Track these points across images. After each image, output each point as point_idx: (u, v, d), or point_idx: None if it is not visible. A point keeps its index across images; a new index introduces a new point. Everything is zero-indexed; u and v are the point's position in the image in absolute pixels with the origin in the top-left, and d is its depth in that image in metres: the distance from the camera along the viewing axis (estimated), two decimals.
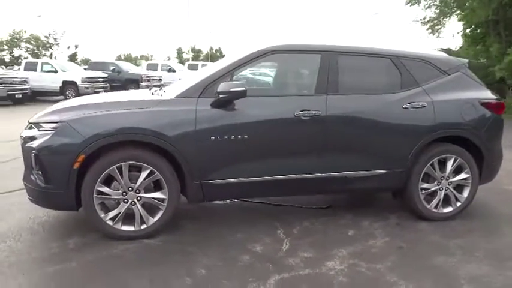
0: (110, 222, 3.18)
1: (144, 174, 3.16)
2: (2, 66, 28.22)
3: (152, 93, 3.69)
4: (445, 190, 3.78)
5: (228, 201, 4.21)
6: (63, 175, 3.06)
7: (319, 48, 3.63)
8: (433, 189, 3.76)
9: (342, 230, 3.54)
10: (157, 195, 3.23)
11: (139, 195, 3.20)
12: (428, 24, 16.53)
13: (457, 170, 3.80)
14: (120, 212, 3.18)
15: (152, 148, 3.18)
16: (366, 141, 3.57)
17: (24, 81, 15.65)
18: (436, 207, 3.77)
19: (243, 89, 3.17)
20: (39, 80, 16.59)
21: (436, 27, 16.56)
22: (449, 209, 3.83)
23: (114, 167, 3.10)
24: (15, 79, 15.44)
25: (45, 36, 51.97)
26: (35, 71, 17.04)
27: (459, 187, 3.86)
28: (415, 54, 3.85)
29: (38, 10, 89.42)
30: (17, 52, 50.58)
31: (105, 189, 3.12)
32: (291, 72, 4.17)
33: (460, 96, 3.78)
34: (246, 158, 3.36)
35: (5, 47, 50.57)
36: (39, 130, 3.18)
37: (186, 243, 3.20)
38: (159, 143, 3.13)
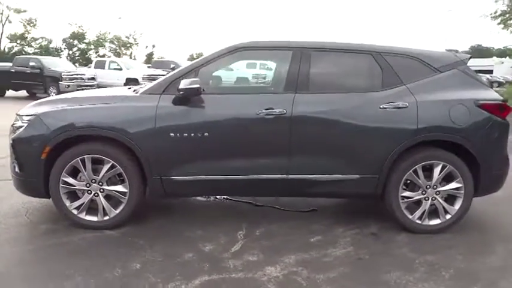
0: (75, 212, 3.35)
1: (105, 168, 3.29)
2: (76, 64, 31.11)
3: (133, 90, 3.80)
4: (432, 200, 3.41)
5: (212, 198, 4.22)
6: (33, 165, 3.29)
7: (290, 44, 3.48)
8: (416, 198, 3.42)
9: (308, 235, 3.37)
10: (118, 188, 3.34)
11: (102, 187, 3.33)
12: (500, 19, 14.93)
13: (448, 179, 3.42)
14: (83, 202, 3.34)
15: (116, 143, 3.29)
16: (336, 144, 3.36)
17: (92, 78, 17.08)
18: (420, 218, 3.42)
19: (197, 86, 3.15)
20: (106, 76, 17.96)
21: (509, 22, 14.89)
22: (436, 222, 3.46)
23: (78, 159, 3.26)
24: (84, 76, 16.90)
25: (126, 37, 56.04)
26: (103, 68, 18.48)
27: (451, 198, 3.47)
28: (401, 50, 3.52)
29: (119, 12, 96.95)
30: (101, 51, 55.20)
31: (70, 179, 3.30)
32: (257, 70, 4.04)
33: (451, 96, 3.38)
34: (206, 156, 3.34)
35: (92, 46, 55.39)
36: (21, 122, 3.46)
37: (141, 236, 3.27)
38: (118, 137, 3.23)
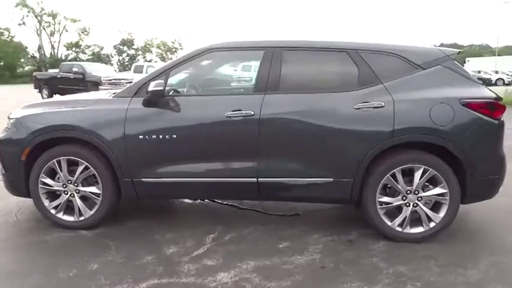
0: (53, 211, 3.47)
1: (79, 169, 3.38)
2: (117, 70, 32.60)
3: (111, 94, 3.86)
4: (414, 206, 3.17)
5: (198, 201, 4.20)
6: (15, 165, 3.44)
7: (262, 44, 3.38)
8: (396, 204, 3.20)
9: (277, 241, 3.25)
10: (92, 189, 3.41)
11: (78, 188, 3.42)
12: None
13: (434, 184, 3.16)
14: (60, 202, 3.45)
15: (90, 145, 3.36)
16: (307, 146, 3.21)
17: (130, 82, 17.73)
18: (401, 225, 3.19)
19: (160, 88, 3.15)
20: None
21: None
22: (418, 230, 3.21)
23: (54, 160, 3.38)
24: (122, 80, 17.61)
25: (171, 42, 57.84)
26: (141, 72, 19.13)
27: (437, 204, 3.21)
28: (379, 46, 3.31)
29: (166, 18, 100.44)
30: (149, 57, 57.38)
31: (48, 180, 3.42)
32: (231, 71, 3.95)
33: (433, 94, 3.13)
34: (175, 158, 3.32)
35: (140, 52, 57.73)
36: (7, 124, 3.63)
37: (113, 237, 3.31)
38: (89, 139, 3.30)
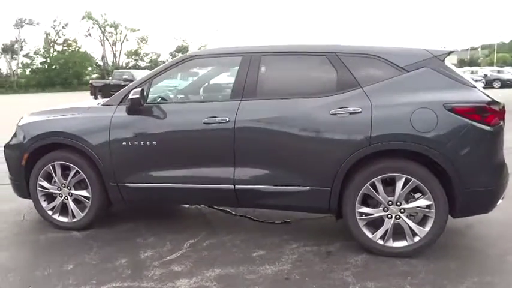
0: (50, 212, 3.69)
1: (71, 174, 3.56)
2: None
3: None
4: (396, 219, 2.97)
5: (194, 205, 4.25)
6: (17, 169, 3.71)
7: (240, 50, 3.36)
8: (376, 215, 3.02)
9: (253, 249, 3.20)
10: (83, 193, 3.58)
11: (71, 191, 3.61)
12: None
13: (418, 195, 2.95)
14: (56, 205, 3.66)
15: (81, 151, 3.53)
16: (283, 152, 3.13)
17: (176, 87, 18.39)
18: (382, 238, 3.01)
19: (137, 96, 3.23)
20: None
21: None
22: (402, 244, 3.00)
23: (50, 165, 3.59)
24: (170, 86, 18.32)
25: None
26: (176, 79, 19.77)
27: (424, 218, 2.99)
28: (360, 49, 3.15)
29: (217, 25, 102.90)
30: None
31: (45, 183, 3.65)
32: (210, 78, 3.92)
33: (415, 98, 2.92)
34: (156, 164, 3.39)
35: None
36: (14, 131, 3.92)
37: (99, 239, 3.45)
38: (78, 146, 3.48)
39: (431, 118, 2.83)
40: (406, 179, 2.90)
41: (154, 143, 3.32)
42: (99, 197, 3.55)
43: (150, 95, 3.51)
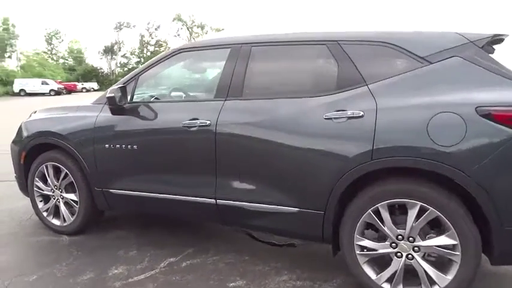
0: (45, 214, 3.56)
1: (62, 175, 3.38)
2: None
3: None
4: (408, 259, 2.24)
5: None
6: (18, 168, 3.65)
7: (229, 41, 2.84)
8: (381, 251, 2.31)
9: (233, 278, 2.69)
10: (72, 196, 3.39)
11: (62, 194, 3.44)
12: None
13: (440, 230, 2.20)
14: (50, 206, 3.52)
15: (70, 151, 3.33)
16: (267, 164, 2.56)
17: None
18: (389, 282, 2.30)
19: (112, 95, 2.90)
20: None
21: None
22: None
23: (44, 165, 3.46)
24: None
25: None
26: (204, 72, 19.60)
27: (448, 261, 2.22)
28: (369, 35, 2.44)
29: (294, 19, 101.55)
30: None
31: (40, 184, 3.53)
32: (198, 74, 3.39)
33: (435, 98, 2.15)
34: (137, 171, 3.05)
35: None
36: None
37: (82, 247, 3.21)
38: (64, 146, 3.27)
39: (456, 126, 2.06)
40: (422, 207, 2.16)
41: (135, 146, 2.98)
42: (86, 202, 3.31)
43: (139, 94, 3.18)
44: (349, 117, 2.29)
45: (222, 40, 2.93)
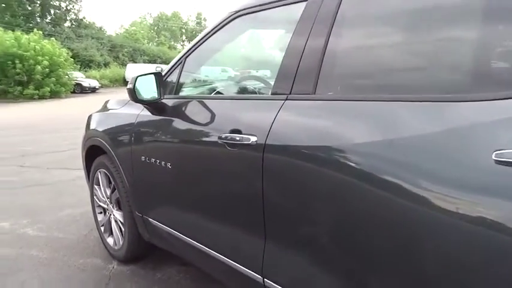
0: (102, 229, 2.92)
1: (111, 187, 2.67)
2: None
3: None
4: None
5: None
6: (84, 168, 3.11)
7: None
8: None
9: None
10: (118, 215, 2.64)
11: (112, 209, 2.73)
12: None
13: None
14: (104, 221, 2.87)
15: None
16: (357, 225, 1.20)
17: None
18: None
19: (130, 87, 1.93)
20: None
21: None
22: None
23: (98, 171, 2.80)
24: None
25: None
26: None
27: None
28: None
29: None
30: None
31: (97, 192, 2.89)
32: (258, 53, 1.94)
33: None
34: (173, 199, 2.06)
35: None
36: None
37: (122, 282, 2.45)
38: (108, 152, 2.52)
39: None
40: None
41: (168, 165, 1.98)
42: (130, 226, 2.52)
43: (187, 85, 2.17)
44: None
45: None
